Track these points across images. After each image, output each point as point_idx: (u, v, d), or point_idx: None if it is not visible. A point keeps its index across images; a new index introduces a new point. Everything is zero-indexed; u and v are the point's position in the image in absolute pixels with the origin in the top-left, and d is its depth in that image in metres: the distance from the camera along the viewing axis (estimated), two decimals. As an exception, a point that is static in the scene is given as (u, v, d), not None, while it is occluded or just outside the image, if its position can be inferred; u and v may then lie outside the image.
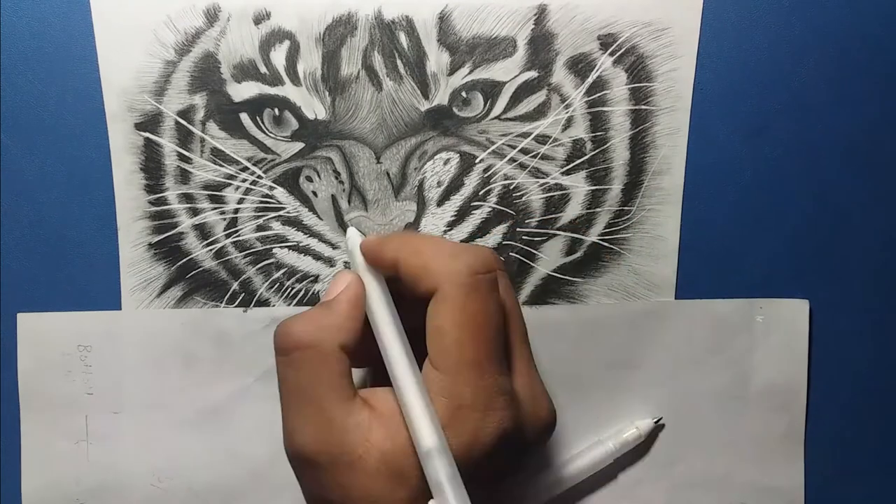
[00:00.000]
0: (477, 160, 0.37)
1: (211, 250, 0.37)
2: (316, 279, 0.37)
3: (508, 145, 0.37)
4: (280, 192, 0.37)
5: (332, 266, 0.37)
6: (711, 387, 0.38)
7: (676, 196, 0.37)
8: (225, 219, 0.37)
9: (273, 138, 0.36)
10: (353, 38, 0.36)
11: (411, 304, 0.29)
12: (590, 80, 0.37)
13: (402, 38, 0.36)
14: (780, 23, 0.37)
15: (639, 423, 0.38)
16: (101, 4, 0.35)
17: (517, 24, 0.36)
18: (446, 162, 0.37)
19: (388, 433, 0.27)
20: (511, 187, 0.37)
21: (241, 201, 0.37)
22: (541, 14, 0.36)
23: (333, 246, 0.37)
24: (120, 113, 0.36)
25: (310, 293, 0.37)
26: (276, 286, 0.37)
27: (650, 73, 0.37)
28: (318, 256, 0.37)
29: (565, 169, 0.37)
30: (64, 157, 0.36)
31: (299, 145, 0.36)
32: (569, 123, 0.37)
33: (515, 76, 0.36)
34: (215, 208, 0.37)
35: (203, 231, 0.37)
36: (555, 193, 0.37)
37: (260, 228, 0.37)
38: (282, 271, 0.37)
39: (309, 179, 0.37)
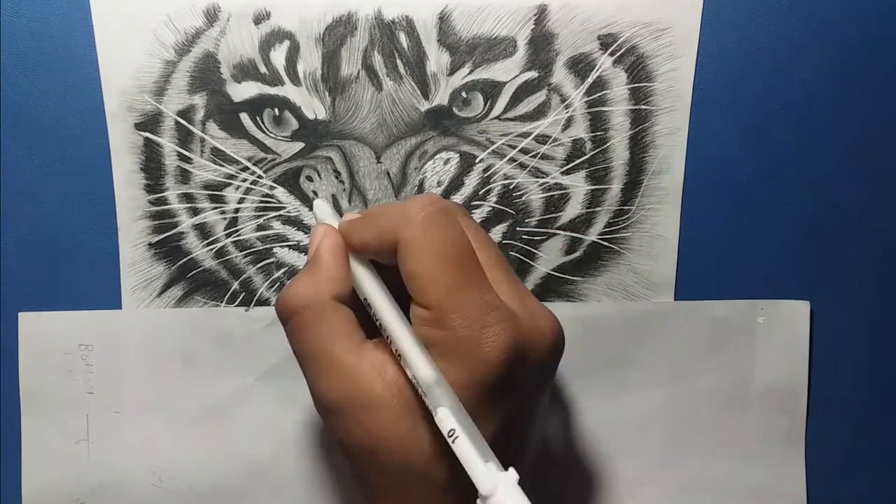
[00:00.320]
0: (477, 160, 0.37)
1: (211, 250, 0.37)
2: (316, 279, 0.37)
3: (508, 145, 0.37)
4: (280, 192, 0.37)
5: (332, 266, 0.37)
6: (712, 387, 0.38)
7: (676, 195, 0.37)
8: (225, 218, 0.37)
9: (273, 138, 0.36)
10: (353, 38, 0.36)
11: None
12: (590, 80, 0.37)
13: (402, 38, 0.36)
14: (780, 23, 0.37)
15: None
16: (101, 4, 0.35)
17: (517, 25, 0.36)
18: (446, 162, 0.37)
19: (401, 369, 0.27)
20: (511, 187, 0.37)
21: (241, 201, 0.37)
22: (541, 14, 0.36)
23: (333, 246, 0.37)
24: (120, 113, 0.36)
25: (310, 293, 0.37)
26: (276, 285, 0.37)
27: (650, 73, 0.37)
28: (318, 256, 0.37)
29: (565, 168, 0.37)
30: (64, 157, 0.36)
31: (299, 145, 0.36)
32: (569, 123, 0.37)
33: (515, 76, 0.36)
34: (215, 208, 0.37)
35: (203, 231, 0.37)
36: (554, 193, 0.37)
37: (260, 228, 0.37)
38: (282, 271, 0.37)
39: (309, 179, 0.37)
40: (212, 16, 0.36)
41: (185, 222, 0.37)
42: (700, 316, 0.38)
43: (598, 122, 0.37)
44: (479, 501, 0.24)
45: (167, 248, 0.37)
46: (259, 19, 0.36)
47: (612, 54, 0.36)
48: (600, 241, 0.38)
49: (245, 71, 0.36)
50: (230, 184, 0.37)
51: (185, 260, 0.37)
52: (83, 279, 0.37)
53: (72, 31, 0.36)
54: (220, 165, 0.36)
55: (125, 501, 0.38)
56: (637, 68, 0.37)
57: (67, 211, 0.37)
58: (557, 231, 0.37)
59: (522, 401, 0.28)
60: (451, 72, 0.36)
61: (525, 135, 0.37)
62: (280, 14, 0.36)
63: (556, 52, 0.36)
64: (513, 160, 0.37)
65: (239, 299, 0.37)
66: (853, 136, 0.38)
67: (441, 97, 0.36)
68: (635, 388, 0.38)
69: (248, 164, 0.36)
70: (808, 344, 0.38)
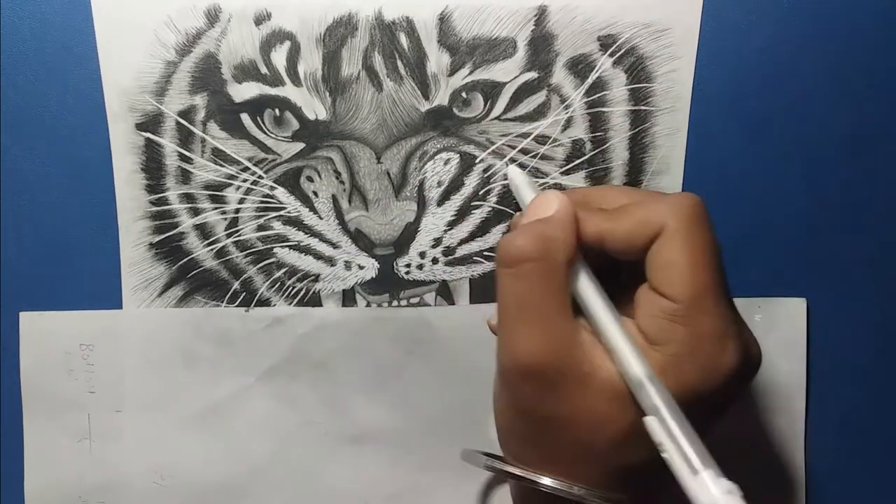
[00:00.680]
0: (477, 160, 0.37)
1: (212, 250, 0.37)
2: (317, 278, 0.37)
3: (508, 145, 0.37)
4: (281, 192, 0.37)
5: (332, 265, 0.37)
6: None
7: (676, 196, 0.38)
8: (226, 219, 0.37)
9: (274, 138, 0.36)
10: (354, 39, 0.36)
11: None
12: (589, 80, 0.37)
13: (403, 39, 0.36)
14: (780, 23, 0.37)
15: None
16: (101, 4, 0.35)
17: (517, 25, 0.36)
18: (446, 162, 0.37)
19: (608, 356, 0.26)
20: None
21: (241, 201, 0.37)
22: (541, 15, 0.36)
23: (334, 245, 0.37)
24: (121, 113, 0.36)
25: (310, 292, 0.37)
26: (276, 285, 0.37)
27: (650, 73, 0.37)
28: (318, 256, 0.37)
29: (565, 169, 0.37)
30: (65, 158, 0.36)
31: (300, 145, 0.36)
32: (568, 124, 0.37)
33: (515, 77, 0.36)
34: (216, 208, 0.37)
35: (204, 231, 0.37)
36: (554, 193, 0.37)
37: (261, 228, 0.37)
38: (283, 271, 0.37)
39: (310, 179, 0.37)
40: (213, 16, 0.36)
41: (186, 222, 0.37)
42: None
43: (597, 122, 0.37)
44: None
45: (168, 248, 0.37)
46: (260, 20, 0.36)
47: (611, 55, 0.36)
48: (600, 242, 0.38)
49: (246, 71, 0.36)
50: (231, 184, 0.37)
51: (185, 260, 0.37)
52: (84, 279, 0.37)
53: (73, 32, 0.36)
54: (221, 166, 0.37)
55: (127, 499, 0.38)
56: (637, 69, 0.37)
57: (68, 211, 0.37)
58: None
59: (726, 411, 0.28)
60: (452, 72, 0.36)
61: (525, 135, 0.37)
62: (281, 15, 0.36)
63: (555, 53, 0.36)
64: (513, 160, 0.37)
65: (239, 299, 0.37)
66: (853, 136, 0.38)
67: (441, 98, 0.36)
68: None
69: (249, 165, 0.37)
70: (805, 342, 0.39)
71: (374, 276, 0.37)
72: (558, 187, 0.37)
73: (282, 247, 0.37)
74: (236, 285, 0.37)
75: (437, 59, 0.36)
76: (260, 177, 0.37)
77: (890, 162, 0.38)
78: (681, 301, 0.26)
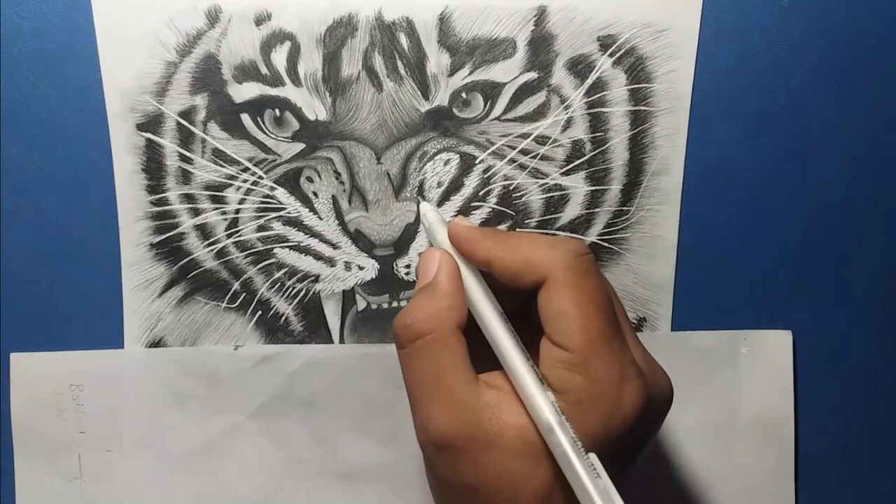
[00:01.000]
0: (477, 161, 0.37)
1: (212, 250, 0.37)
2: (317, 279, 0.37)
3: (508, 146, 0.37)
4: (281, 193, 0.37)
5: (332, 266, 0.37)
6: (699, 420, 0.38)
7: (675, 196, 0.38)
8: (226, 219, 0.37)
9: (274, 139, 0.36)
10: (354, 40, 0.36)
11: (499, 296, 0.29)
12: (589, 81, 0.37)
13: (403, 40, 0.36)
14: (779, 23, 0.37)
15: None
16: (102, 5, 0.35)
17: (517, 26, 0.36)
18: (446, 162, 0.37)
19: (519, 410, 0.27)
20: (511, 188, 0.37)
21: (242, 202, 0.37)
22: (541, 15, 0.36)
23: (334, 246, 0.37)
24: (121, 113, 0.36)
25: (310, 293, 0.37)
26: (276, 286, 0.37)
27: (650, 74, 0.37)
28: (318, 256, 0.37)
29: (565, 169, 0.37)
30: (65, 158, 0.36)
31: (300, 146, 0.36)
32: (568, 124, 0.37)
33: (515, 77, 0.36)
34: (216, 209, 0.37)
35: (204, 231, 0.37)
36: (554, 194, 0.37)
37: (261, 229, 0.37)
38: (283, 271, 0.37)
39: (310, 180, 0.37)
40: (213, 17, 0.36)
41: (187, 223, 0.37)
42: (683, 347, 0.38)
43: (597, 123, 0.37)
44: None
45: (168, 248, 0.37)
46: (260, 20, 0.36)
47: (611, 55, 0.36)
48: (600, 242, 0.38)
49: (246, 72, 0.36)
50: (231, 184, 0.37)
51: (186, 260, 0.37)
52: (84, 280, 0.37)
53: (73, 32, 0.36)
54: (221, 166, 0.37)
55: (119, 537, 0.38)
56: (636, 69, 0.37)
57: (68, 211, 0.37)
58: (557, 232, 0.38)
59: (638, 454, 0.28)
60: (452, 73, 0.36)
61: (525, 136, 0.37)
62: (281, 15, 0.36)
63: (555, 54, 0.36)
64: (513, 161, 0.37)
65: (240, 299, 0.37)
66: (853, 136, 0.38)
67: (441, 98, 0.36)
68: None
69: (249, 165, 0.37)
70: (791, 374, 0.38)
71: (374, 276, 0.37)
72: (559, 188, 0.37)
73: (282, 247, 0.37)
74: (236, 286, 0.37)
75: (437, 60, 0.36)
76: (260, 177, 0.37)
77: (892, 162, 0.38)
78: (575, 350, 0.26)
